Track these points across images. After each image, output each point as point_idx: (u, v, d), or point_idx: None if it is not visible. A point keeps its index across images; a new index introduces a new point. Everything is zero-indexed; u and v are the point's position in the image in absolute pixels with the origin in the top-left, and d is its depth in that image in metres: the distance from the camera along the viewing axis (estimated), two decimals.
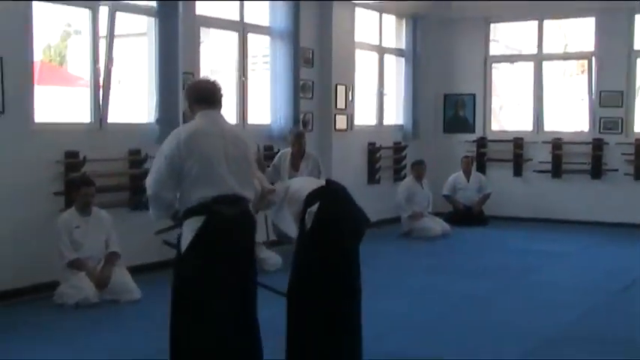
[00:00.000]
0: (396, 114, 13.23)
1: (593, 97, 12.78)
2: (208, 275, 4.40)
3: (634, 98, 12.63)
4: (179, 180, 4.45)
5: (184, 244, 4.42)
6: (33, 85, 7.47)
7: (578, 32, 13.05)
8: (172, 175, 4.45)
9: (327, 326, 4.81)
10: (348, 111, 11.63)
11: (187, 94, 4.78)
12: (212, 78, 4.92)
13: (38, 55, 7.62)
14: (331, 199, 5.01)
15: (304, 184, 5.24)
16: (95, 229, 7.38)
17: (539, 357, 5.69)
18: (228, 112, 9.83)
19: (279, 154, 9.43)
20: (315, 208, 4.81)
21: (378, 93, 12.77)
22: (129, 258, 7.65)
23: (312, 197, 4.90)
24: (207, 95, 4.68)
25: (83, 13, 8.01)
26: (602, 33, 12.72)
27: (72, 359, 5.56)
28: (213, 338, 4.38)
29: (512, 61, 13.67)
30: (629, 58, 12.53)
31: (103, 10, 8.08)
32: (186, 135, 4.49)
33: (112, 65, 8.15)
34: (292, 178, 9.06)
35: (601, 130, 12.70)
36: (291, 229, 5.01)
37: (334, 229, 4.87)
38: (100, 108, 8.11)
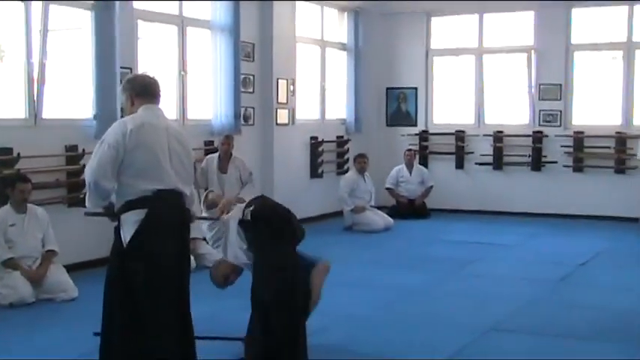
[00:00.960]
0: (338, 108, 13.23)
1: (533, 90, 12.95)
2: (149, 270, 4.41)
3: (572, 91, 12.81)
4: (119, 171, 4.45)
5: (126, 237, 4.43)
6: None
7: (518, 27, 13.16)
8: (114, 164, 4.42)
9: None
10: (290, 105, 11.60)
11: (128, 86, 4.73)
12: (150, 74, 4.91)
13: None
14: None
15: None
16: (31, 226, 7.24)
17: (476, 349, 5.72)
18: (168, 107, 9.74)
19: (205, 158, 9.35)
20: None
21: (320, 87, 12.75)
22: (66, 256, 7.53)
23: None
24: (149, 89, 4.70)
25: (17, 6, 7.83)
26: (541, 27, 12.89)
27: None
28: (148, 335, 4.35)
29: (453, 55, 13.73)
30: (567, 52, 12.72)
31: (37, 5, 7.92)
32: (133, 126, 4.47)
33: (46, 60, 7.99)
34: (220, 180, 9.08)
35: (540, 123, 12.88)
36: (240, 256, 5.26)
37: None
38: (34, 103, 7.95)
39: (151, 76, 4.81)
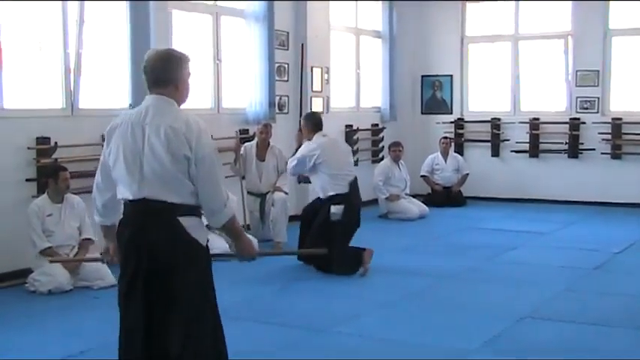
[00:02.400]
0: (373, 96, 13.21)
1: (570, 76, 12.82)
2: (122, 286, 3.95)
3: (609, 77, 12.65)
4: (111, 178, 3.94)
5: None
6: (1, 70, 7.38)
7: (555, 12, 13.02)
8: (102, 173, 3.98)
9: None
10: (324, 93, 11.60)
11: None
12: (167, 48, 4.21)
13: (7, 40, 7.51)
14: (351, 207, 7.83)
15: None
16: (68, 216, 7.33)
17: (511, 336, 5.71)
18: (203, 96, 9.82)
19: (243, 146, 9.45)
20: (339, 208, 7.73)
21: (355, 75, 12.74)
22: (103, 243, 7.59)
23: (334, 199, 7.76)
24: (145, 76, 3.93)
25: None
26: (578, 12, 12.74)
27: (44, 346, 5.52)
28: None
29: (489, 42, 13.62)
30: (605, 38, 12.56)
31: None
32: (112, 124, 3.96)
33: (82, 50, 8.08)
34: (258, 168, 9.21)
35: (578, 110, 12.75)
36: None
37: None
38: (71, 93, 8.05)
39: (157, 52, 3.97)
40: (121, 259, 3.93)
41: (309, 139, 8.12)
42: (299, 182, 9.21)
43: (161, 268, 3.78)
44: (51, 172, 7.34)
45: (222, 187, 3.85)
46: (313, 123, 8.19)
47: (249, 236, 8.68)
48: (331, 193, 7.85)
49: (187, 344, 3.79)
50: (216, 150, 3.90)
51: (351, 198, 7.93)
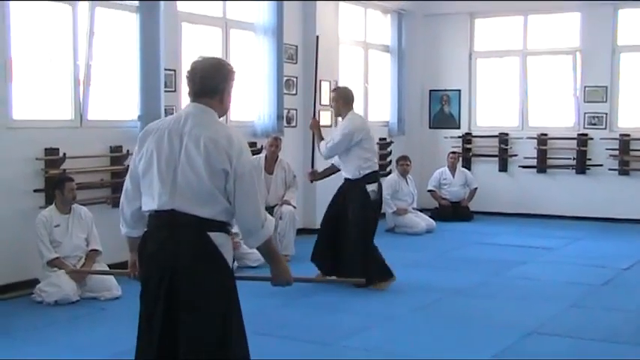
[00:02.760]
0: (381, 110, 13.22)
1: (578, 92, 12.82)
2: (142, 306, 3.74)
3: (618, 93, 12.65)
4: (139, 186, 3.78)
5: None
6: (11, 81, 7.42)
7: (563, 28, 13.05)
8: (132, 180, 3.80)
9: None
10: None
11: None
12: (216, 57, 4.00)
13: (17, 52, 7.56)
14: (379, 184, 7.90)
15: None
16: (75, 227, 7.35)
17: (519, 350, 5.70)
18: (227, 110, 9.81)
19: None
20: (374, 186, 7.71)
21: (363, 89, 12.76)
22: (110, 255, 7.62)
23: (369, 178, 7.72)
24: (192, 84, 3.77)
25: (64, 9, 7.97)
26: (586, 28, 12.75)
27: (50, 357, 5.52)
28: None
29: (497, 57, 13.64)
30: (613, 54, 12.57)
31: (84, 6, 8.05)
32: (144, 130, 3.83)
33: (92, 62, 8.12)
34: (267, 181, 9.21)
35: (586, 126, 12.74)
36: None
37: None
38: (80, 104, 8.08)
39: (204, 60, 3.80)
40: (142, 274, 3.77)
41: (341, 116, 7.99)
42: (311, 181, 8.91)
43: (183, 288, 3.58)
44: (57, 182, 7.37)
45: (261, 206, 3.69)
46: (350, 97, 7.95)
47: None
48: (367, 172, 7.71)
49: None
50: (257, 168, 3.81)
51: (379, 175, 8.01)
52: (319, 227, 8.33)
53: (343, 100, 7.88)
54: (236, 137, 3.66)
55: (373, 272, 7.46)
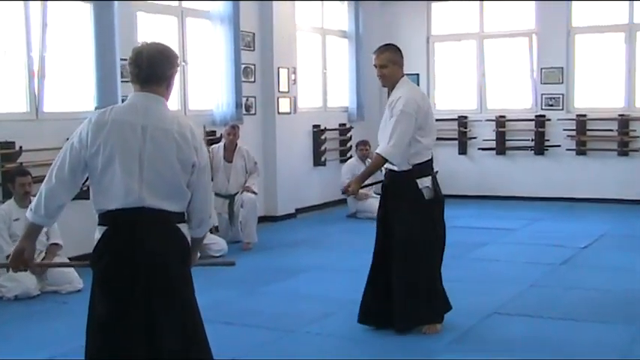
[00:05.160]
0: (340, 96, 13.23)
1: (535, 74, 12.94)
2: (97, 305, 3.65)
3: (574, 74, 12.79)
4: (80, 179, 3.60)
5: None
6: None
7: (519, 11, 13.14)
8: (73, 171, 3.56)
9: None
10: (291, 94, 11.60)
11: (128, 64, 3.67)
12: (161, 42, 3.72)
13: None
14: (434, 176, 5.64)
15: None
16: None
17: (480, 332, 5.76)
18: (170, 98, 9.75)
19: (210, 148, 9.41)
20: (427, 181, 5.55)
21: (321, 75, 12.76)
22: (70, 248, 7.56)
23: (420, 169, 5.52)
24: (138, 70, 3.58)
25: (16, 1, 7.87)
26: (542, 11, 12.87)
27: (11, 354, 5.46)
28: None
29: (454, 40, 13.70)
30: (568, 35, 12.70)
31: None
32: (95, 121, 3.56)
33: (46, 53, 8.02)
34: (226, 170, 9.18)
35: (543, 107, 12.87)
36: None
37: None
38: (35, 97, 7.99)
39: (155, 46, 3.63)
40: (103, 272, 3.58)
41: (387, 83, 5.71)
42: (351, 194, 6.19)
43: (162, 283, 3.52)
44: (9, 177, 7.30)
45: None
46: (402, 57, 5.80)
47: (217, 237, 8.80)
48: (417, 161, 5.57)
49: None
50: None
51: (432, 165, 5.76)
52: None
53: (398, 62, 5.71)
54: (195, 128, 3.67)
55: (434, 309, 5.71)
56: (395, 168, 5.53)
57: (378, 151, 5.48)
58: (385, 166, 5.61)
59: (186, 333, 3.62)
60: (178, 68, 3.74)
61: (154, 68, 3.57)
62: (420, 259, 5.59)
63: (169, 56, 3.65)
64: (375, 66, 5.70)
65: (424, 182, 5.55)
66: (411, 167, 5.51)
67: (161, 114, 3.57)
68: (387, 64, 5.63)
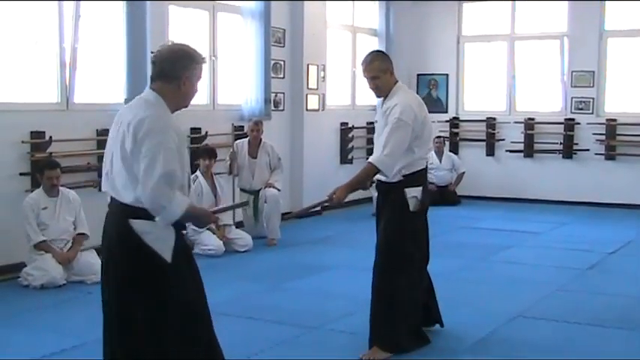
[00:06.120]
0: (369, 94, 13.15)
1: (565, 77, 12.85)
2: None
3: (605, 78, 12.68)
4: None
5: None
6: None
7: (551, 13, 13.05)
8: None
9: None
10: (320, 91, 11.60)
11: None
12: (184, 44, 3.84)
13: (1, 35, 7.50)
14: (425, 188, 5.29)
15: None
16: (63, 210, 7.33)
17: (504, 335, 5.72)
18: (199, 92, 9.77)
19: (234, 144, 9.45)
20: (415, 191, 5.15)
21: (351, 73, 12.74)
22: (97, 238, 7.56)
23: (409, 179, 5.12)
24: (154, 65, 3.78)
25: None
26: (574, 13, 12.76)
27: (36, 341, 5.51)
28: None
29: (485, 41, 13.64)
30: (600, 39, 12.59)
31: None
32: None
33: (78, 45, 8.07)
34: (251, 165, 9.20)
35: (572, 110, 12.77)
36: None
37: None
38: (66, 88, 8.04)
39: (170, 47, 3.80)
40: None
41: (382, 93, 5.32)
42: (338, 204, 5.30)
43: (111, 273, 3.71)
44: (39, 168, 7.35)
45: (165, 187, 3.53)
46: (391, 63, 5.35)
47: (243, 232, 8.84)
48: (409, 172, 5.20)
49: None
50: (170, 150, 3.56)
51: (426, 175, 5.42)
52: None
53: (389, 69, 5.28)
54: (151, 119, 3.57)
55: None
56: (383, 179, 5.20)
57: (370, 160, 5.03)
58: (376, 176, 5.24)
59: (121, 336, 3.72)
60: (197, 70, 3.75)
61: (162, 66, 3.69)
62: (399, 271, 5.20)
63: (183, 56, 3.71)
64: (365, 77, 5.29)
65: (412, 192, 5.17)
66: (402, 178, 5.16)
67: (136, 106, 3.67)
68: (379, 75, 5.20)
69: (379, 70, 5.17)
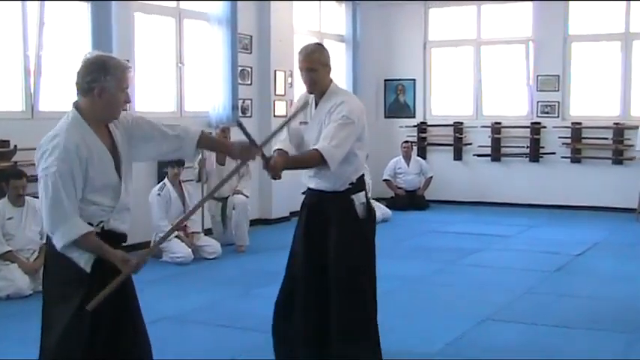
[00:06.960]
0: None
1: (531, 81, 12.96)
2: None
3: (570, 82, 12.82)
4: None
5: None
6: None
7: (516, 17, 13.16)
8: None
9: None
10: (288, 97, 11.59)
11: None
12: (103, 54, 3.70)
13: None
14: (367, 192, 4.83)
15: None
16: (29, 220, 7.26)
17: (473, 338, 5.75)
18: (166, 99, 9.76)
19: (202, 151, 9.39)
20: (362, 197, 4.65)
21: None
22: None
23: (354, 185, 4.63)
24: None
25: None
26: (539, 18, 12.89)
27: (2, 354, 5.44)
28: None
29: (451, 46, 13.72)
30: (565, 43, 12.72)
31: None
32: None
33: (42, 52, 8.00)
34: (219, 173, 9.15)
35: (538, 114, 12.89)
36: None
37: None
38: (31, 96, 7.97)
39: (86, 57, 3.69)
40: None
41: (322, 91, 4.70)
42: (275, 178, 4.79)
43: None
44: (4, 177, 7.27)
45: (55, 212, 3.40)
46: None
47: (211, 240, 8.80)
48: (356, 177, 4.70)
49: None
50: (61, 174, 3.40)
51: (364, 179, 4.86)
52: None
53: (328, 64, 4.72)
54: (45, 140, 3.52)
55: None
56: (323, 187, 4.66)
57: (318, 147, 4.43)
58: (306, 183, 4.78)
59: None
60: (113, 81, 3.52)
61: (77, 79, 3.61)
62: (367, 291, 4.78)
63: (93, 69, 3.54)
64: (301, 69, 4.69)
65: (360, 198, 4.66)
66: (350, 186, 4.63)
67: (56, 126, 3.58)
68: (317, 67, 4.62)
69: (319, 62, 4.63)
